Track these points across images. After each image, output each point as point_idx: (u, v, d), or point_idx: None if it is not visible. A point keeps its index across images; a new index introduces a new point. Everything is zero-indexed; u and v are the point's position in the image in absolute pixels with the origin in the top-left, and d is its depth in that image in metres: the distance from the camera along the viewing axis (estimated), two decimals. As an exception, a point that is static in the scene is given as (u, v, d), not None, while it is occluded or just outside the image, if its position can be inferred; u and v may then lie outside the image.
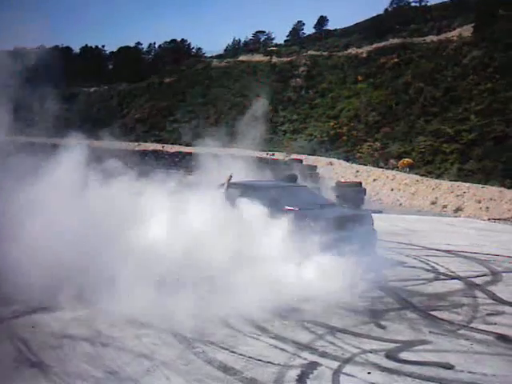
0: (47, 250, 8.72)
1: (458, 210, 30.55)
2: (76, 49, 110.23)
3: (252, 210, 11.54)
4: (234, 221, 10.93)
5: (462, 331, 7.95)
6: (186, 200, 10.97)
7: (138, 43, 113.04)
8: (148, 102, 73.65)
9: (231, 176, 13.39)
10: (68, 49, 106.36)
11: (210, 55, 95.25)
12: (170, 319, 7.84)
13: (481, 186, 31.57)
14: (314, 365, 6.55)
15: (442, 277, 11.52)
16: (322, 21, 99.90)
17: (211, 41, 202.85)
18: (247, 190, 12.71)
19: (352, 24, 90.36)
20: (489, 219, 26.12)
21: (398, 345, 7.30)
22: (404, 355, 6.95)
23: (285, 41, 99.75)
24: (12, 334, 7.31)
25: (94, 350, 6.89)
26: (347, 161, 44.06)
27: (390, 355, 6.92)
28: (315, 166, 39.39)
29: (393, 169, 39.25)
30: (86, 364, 6.42)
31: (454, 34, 53.80)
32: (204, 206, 10.89)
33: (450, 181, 34.01)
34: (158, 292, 8.47)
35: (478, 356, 7.03)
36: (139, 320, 7.87)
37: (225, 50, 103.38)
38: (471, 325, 8.26)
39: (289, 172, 16.82)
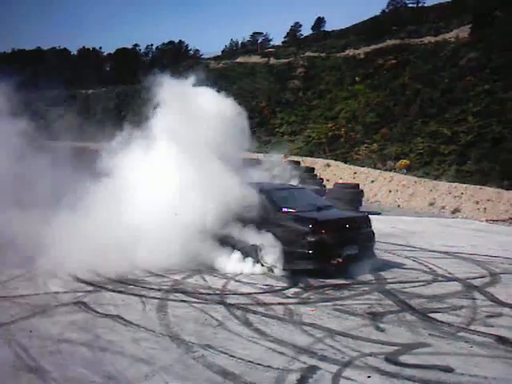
0: None
1: (455, 211, 30.56)
2: (74, 50, 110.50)
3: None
4: None
5: (461, 333, 7.93)
6: None
7: (136, 45, 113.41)
8: (146, 103, 73.55)
9: None
10: (65, 50, 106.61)
11: (207, 57, 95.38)
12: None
13: (479, 187, 31.56)
14: (313, 369, 6.52)
15: (441, 278, 11.50)
16: (320, 22, 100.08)
17: (209, 42, 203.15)
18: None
19: (349, 25, 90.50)
20: (487, 220, 26.12)
21: (397, 348, 7.28)
22: (404, 358, 6.93)
23: (282, 42, 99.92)
24: (10, 338, 7.27)
25: (92, 354, 6.85)
26: (345, 162, 44.07)
27: (390, 358, 6.89)
28: (313, 168, 39.34)
29: (391, 170, 39.26)
30: (84, 369, 6.38)
31: (451, 36, 53.80)
32: None
33: (448, 182, 34.01)
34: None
35: (478, 359, 7.01)
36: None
37: (222, 52, 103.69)
38: (470, 327, 8.24)
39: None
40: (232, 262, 11.55)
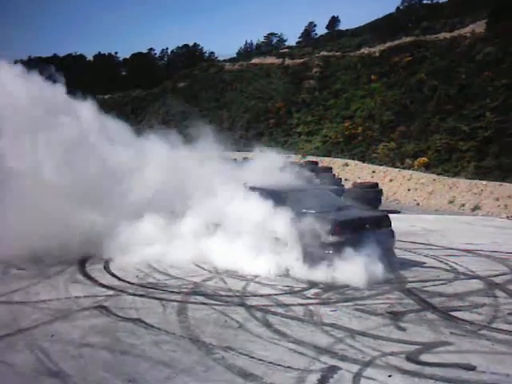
0: None
1: (475, 208, 30.31)
2: (89, 56, 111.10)
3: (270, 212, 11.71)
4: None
5: (483, 331, 7.88)
6: None
7: (151, 49, 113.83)
8: (162, 107, 73.89)
9: (245, 184, 13.55)
10: (81, 57, 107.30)
11: (222, 59, 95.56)
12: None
13: (498, 183, 31.27)
14: (334, 369, 6.52)
15: (462, 276, 11.42)
16: (334, 21, 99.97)
17: (223, 44, 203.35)
18: (264, 193, 12.72)
19: (364, 23, 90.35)
20: (507, 217, 25.90)
21: (418, 347, 7.25)
22: (425, 357, 6.89)
23: (297, 42, 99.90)
24: (32, 343, 7.33)
25: (113, 358, 6.89)
26: (363, 161, 43.88)
27: (411, 357, 6.87)
28: (331, 168, 39.20)
29: (409, 168, 39.02)
30: (105, 372, 6.43)
31: (466, 31, 53.43)
32: None
33: (467, 179, 33.74)
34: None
35: (500, 356, 6.96)
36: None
37: (237, 54, 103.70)
38: (492, 325, 8.19)
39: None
40: (250, 264, 11.52)
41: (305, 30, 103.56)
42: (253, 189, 13.23)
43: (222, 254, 11.89)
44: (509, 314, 8.75)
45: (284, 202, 12.13)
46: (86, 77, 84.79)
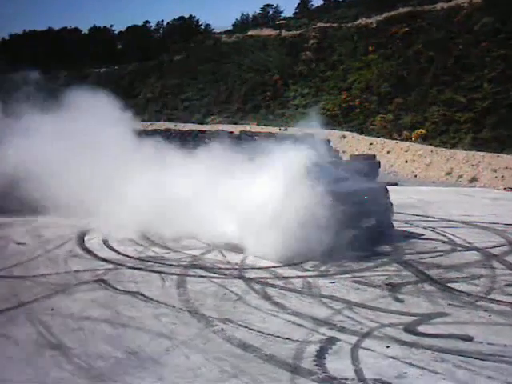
0: None
1: (473, 179, 30.37)
2: (84, 30, 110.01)
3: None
4: None
5: (480, 302, 7.93)
6: None
7: (147, 22, 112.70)
8: (159, 80, 73.47)
9: None
10: (76, 30, 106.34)
11: (218, 31, 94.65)
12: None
13: (496, 154, 31.29)
14: (332, 340, 6.57)
15: (459, 248, 11.45)
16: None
17: (219, 16, 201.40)
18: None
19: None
20: (505, 188, 25.92)
21: (416, 318, 7.30)
22: (422, 328, 6.95)
23: (293, 13, 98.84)
24: (33, 317, 7.38)
25: (113, 330, 6.95)
26: (360, 133, 43.80)
27: (409, 328, 6.92)
28: (328, 140, 39.13)
29: (406, 140, 38.96)
30: (106, 345, 6.48)
31: (464, 1, 52.93)
32: None
33: (465, 150, 33.73)
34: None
35: (497, 327, 7.02)
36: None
37: (233, 26, 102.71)
38: (489, 296, 8.23)
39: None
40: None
41: (301, 0, 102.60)
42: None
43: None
44: (506, 285, 8.80)
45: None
46: (82, 50, 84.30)
